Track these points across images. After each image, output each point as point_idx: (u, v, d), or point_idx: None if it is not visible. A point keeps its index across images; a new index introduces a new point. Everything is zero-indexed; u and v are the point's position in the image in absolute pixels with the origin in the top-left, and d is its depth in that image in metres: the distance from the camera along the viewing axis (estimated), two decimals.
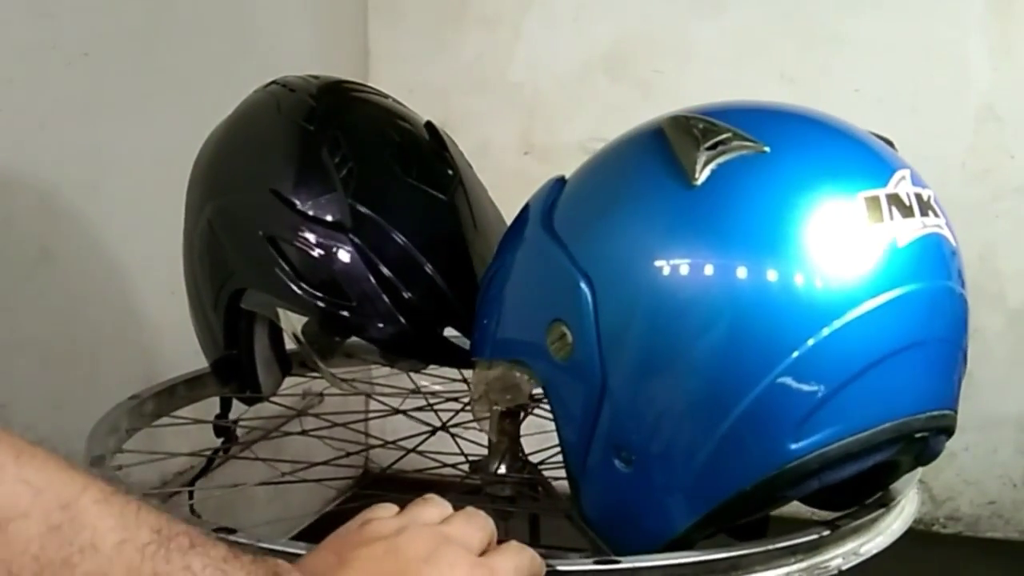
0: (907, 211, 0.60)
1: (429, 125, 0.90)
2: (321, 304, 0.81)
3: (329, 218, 0.81)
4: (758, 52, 1.84)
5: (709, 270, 0.59)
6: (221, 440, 0.98)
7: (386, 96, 0.94)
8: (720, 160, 0.61)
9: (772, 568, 0.64)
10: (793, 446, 0.58)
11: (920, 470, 0.77)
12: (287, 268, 0.81)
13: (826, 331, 0.58)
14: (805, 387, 0.58)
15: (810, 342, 0.57)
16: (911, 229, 0.60)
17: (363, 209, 0.81)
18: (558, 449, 0.90)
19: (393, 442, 0.96)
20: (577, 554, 0.70)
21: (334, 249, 0.81)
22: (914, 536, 0.75)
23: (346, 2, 1.91)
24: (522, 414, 0.85)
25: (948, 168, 1.81)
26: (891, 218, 0.60)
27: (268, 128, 0.87)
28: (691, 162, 0.61)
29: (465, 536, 0.51)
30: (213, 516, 0.74)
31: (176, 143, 1.30)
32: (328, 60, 1.84)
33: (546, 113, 1.93)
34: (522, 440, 0.84)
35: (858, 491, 0.69)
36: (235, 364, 0.89)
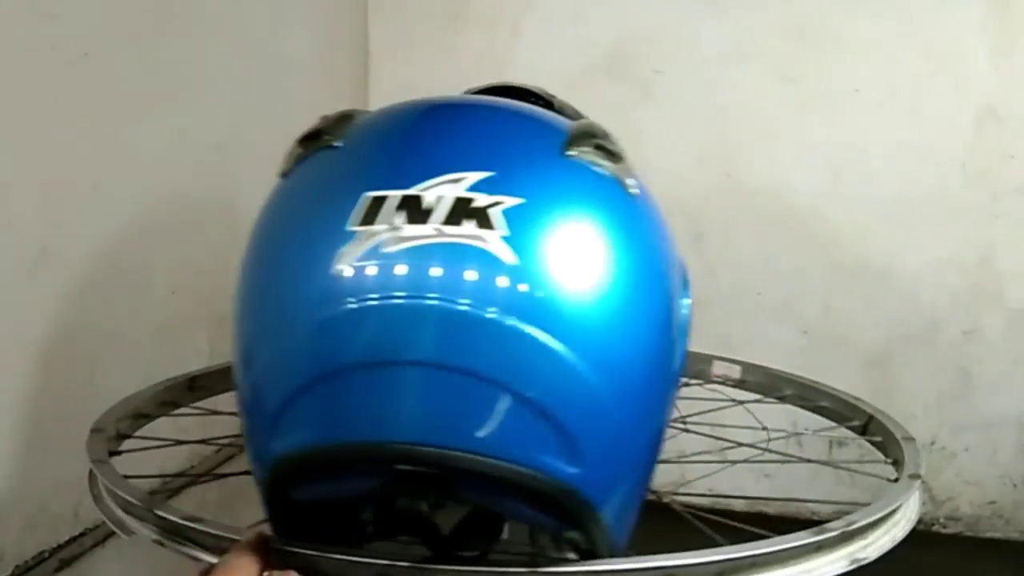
0: (421, 216, 0.53)
1: None
2: None
3: None
4: (758, 52, 1.84)
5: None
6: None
7: None
8: (305, 152, 0.61)
9: (770, 570, 0.64)
10: (273, 445, 0.57)
11: (913, 478, 0.77)
12: None
13: (293, 333, 0.55)
14: (274, 387, 0.56)
15: (277, 344, 0.56)
16: (410, 236, 0.53)
17: None
18: None
19: None
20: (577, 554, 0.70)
21: None
22: (914, 536, 0.75)
23: (346, 2, 1.91)
24: None
25: (948, 168, 1.81)
26: (387, 223, 0.54)
27: None
28: (290, 158, 0.62)
29: None
30: (214, 514, 0.74)
31: (176, 143, 1.30)
32: (328, 60, 1.84)
33: None
34: None
35: (476, 537, 0.65)
36: None
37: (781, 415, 1.06)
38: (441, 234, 0.53)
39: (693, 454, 0.97)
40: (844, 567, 0.67)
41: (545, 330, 0.53)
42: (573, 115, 1.00)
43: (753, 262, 1.86)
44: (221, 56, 1.40)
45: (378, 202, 0.54)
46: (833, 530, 0.66)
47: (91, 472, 0.77)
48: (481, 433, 0.53)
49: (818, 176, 1.85)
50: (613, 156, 0.59)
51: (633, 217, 0.59)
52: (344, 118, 0.62)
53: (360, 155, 0.59)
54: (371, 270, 0.53)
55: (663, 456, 0.64)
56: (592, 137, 0.59)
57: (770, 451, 0.95)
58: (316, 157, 0.61)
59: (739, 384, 1.08)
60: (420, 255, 0.53)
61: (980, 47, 1.77)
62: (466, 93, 1.01)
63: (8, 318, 1.05)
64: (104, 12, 1.16)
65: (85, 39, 1.13)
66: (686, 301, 0.63)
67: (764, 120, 1.85)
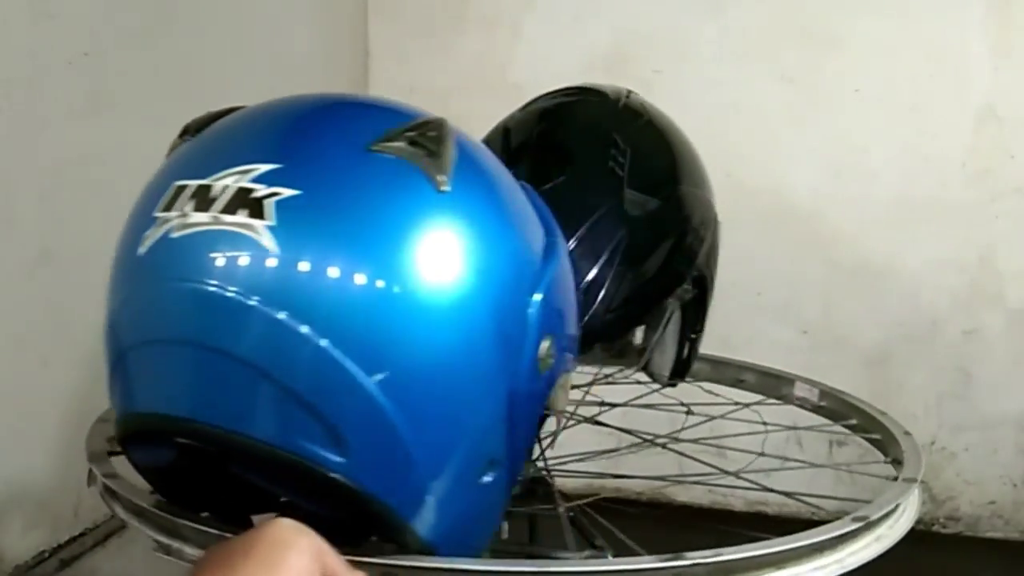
0: (205, 205, 0.56)
1: None
2: None
3: None
4: (758, 52, 1.84)
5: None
6: None
7: None
8: (179, 144, 0.64)
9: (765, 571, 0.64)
10: (115, 411, 0.62)
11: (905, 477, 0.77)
12: None
13: (111, 310, 0.60)
14: (106, 359, 0.61)
15: (106, 320, 0.61)
16: (193, 223, 0.56)
17: None
18: (559, 450, 0.91)
19: None
20: (576, 554, 0.70)
21: None
22: (914, 536, 0.75)
23: (346, 2, 1.91)
24: None
25: (948, 168, 1.81)
26: (180, 210, 0.57)
27: None
28: (168, 150, 0.65)
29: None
30: None
31: None
32: (328, 60, 1.84)
33: None
34: None
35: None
36: None
37: (784, 417, 1.06)
38: (217, 222, 0.55)
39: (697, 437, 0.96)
40: (839, 570, 0.67)
41: (299, 318, 0.54)
42: (639, 111, 0.99)
43: (753, 262, 1.86)
44: (221, 56, 1.41)
45: (179, 190, 0.58)
46: (690, 559, 0.63)
47: (90, 471, 0.77)
48: (244, 414, 0.56)
49: (818, 176, 1.85)
50: (429, 152, 0.59)
51: (431, 213, 0.58)
52: (218, 115, 0.65)
53: (191, 147, 0.63)
54: (158, 254, 0.57)
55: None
56: (412, 132, 0.59)
57: (746, 479, 0.93)
58: (176, 149, 0.65)
59: (816, 409, 1.04)
60: (195, 241, 0.56)
61: (980, 47, 1.77)
62: (541, 95, 1.03)
63: (8, 318, 1.05)
64: (104, 12, 1.16)
65: (85, 39, 1.13)
66: (536, 298, 0.62)
67: (764, 120, 1.85)
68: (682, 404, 1.04)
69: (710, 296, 1.00)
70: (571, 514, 0.81)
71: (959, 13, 1.77)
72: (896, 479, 0.80)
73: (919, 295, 1.84)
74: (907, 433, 0.91)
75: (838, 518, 0.69)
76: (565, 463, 0.90)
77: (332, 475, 0.55)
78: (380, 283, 0.55)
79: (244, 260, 0.55)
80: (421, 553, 0.59)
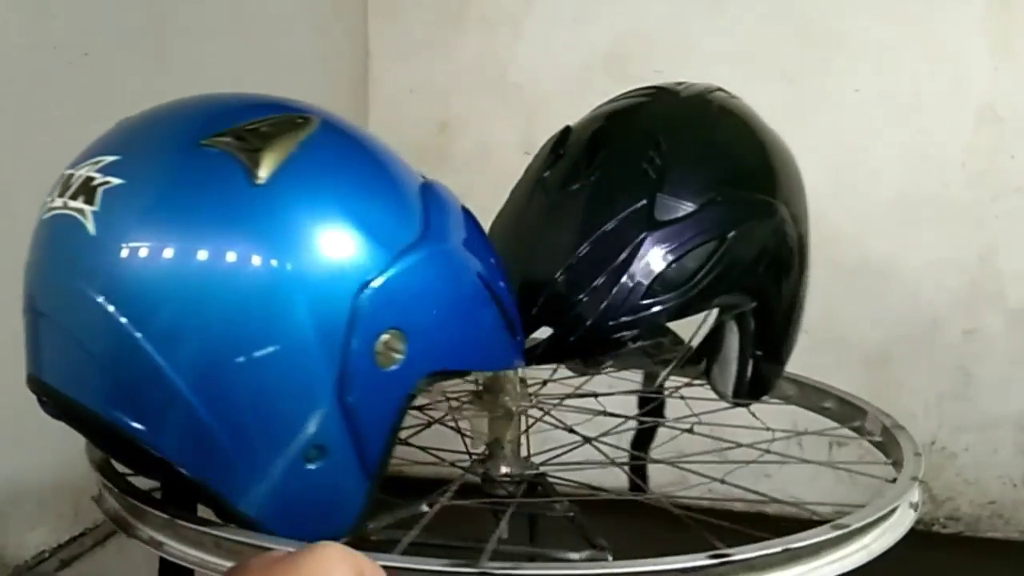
0: (64, 191, 0.63)
1: None
2: None
3: None
4: (758, 52, 1.84)
5: None
6: None
7: None
8: None
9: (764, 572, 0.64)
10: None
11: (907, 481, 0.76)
12: None
13: None
14: None
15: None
16: (53, 207, 0.64)
17: None
18: (559, 449, 0.91)
19: None
20: (576, 554, 0.70)
21: None
22: (914, 536, 0.75)
23: (346, 2, 1.91)
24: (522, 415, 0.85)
25: (948, 168, 1.81)
26: (51, 195, 0.64)
27: None
28: None
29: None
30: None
31: None
32: (328, 60, 1.84)
33: (546, 113, 1.92)
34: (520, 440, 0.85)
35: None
36: None
37: (785, 417, 1.06)
38: (64, 207, 0.62)
39: (694, 453, 0.95)
40: (836, 570, 0.67)
41: (104, 295, 0.60)
42: (708, 112, 0.98)
43: None
44: (221, 56, 1.41)
45: (60, 178, 0.64)
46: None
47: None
48: (72, 378, 0.63)
49: (818, 176, 1.84)
50: (253, 147, 0.62)
51: (242, 204, 0.61)
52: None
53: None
54: (35, 233, 0.66)
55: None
56: (250, 127, 0.63)
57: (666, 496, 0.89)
58: None
59: (876, 444, 0.95)
60: (49, 223, 0.64)
61: (980, 47, 1.77)
62: (620, 94, 1.03)
63: (8, 318, 1.05)
64: (104, 12, 1.16)
65: (85, 39, 1.13)
66: (375, 284, 0.62)
67: (764, 120, 1.85)
68: (697, 421, 0.98)
69: (778, 313, 0.91)
70: (571, 514, 0.81)
71: (959, 13, 1.77)
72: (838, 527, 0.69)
73: (919, 295, 1.84)
74: (920, 480, 0.83)
75: (837, 517, 0.69)
76: (560, 469, 0.88)
77: (134, 440, 0.60)
78: (182, 268, 0.59)
79: (72, 241, 0.62)
80: (249, 529, 0.62)
